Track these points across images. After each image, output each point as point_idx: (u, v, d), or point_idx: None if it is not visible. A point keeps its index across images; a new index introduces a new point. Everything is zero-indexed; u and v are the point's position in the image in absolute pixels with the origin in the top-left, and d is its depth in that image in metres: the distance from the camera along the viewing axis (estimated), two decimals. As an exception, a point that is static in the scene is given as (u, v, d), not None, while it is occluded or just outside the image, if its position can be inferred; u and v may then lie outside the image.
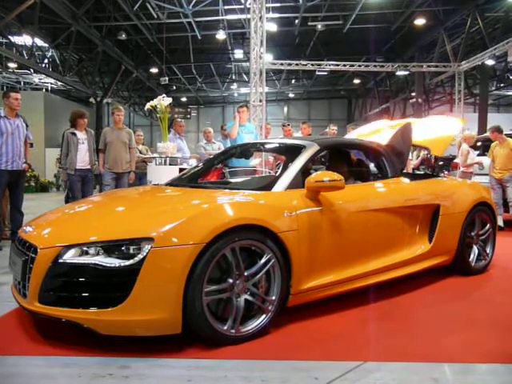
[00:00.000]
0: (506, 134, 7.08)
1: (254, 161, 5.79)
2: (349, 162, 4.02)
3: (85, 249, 2.36)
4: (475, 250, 4.17)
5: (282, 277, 2.70)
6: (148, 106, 6.04)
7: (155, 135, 28.64)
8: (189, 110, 23.52)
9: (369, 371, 2.25)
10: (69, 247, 2.37)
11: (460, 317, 3.05)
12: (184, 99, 29.78)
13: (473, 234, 4.16)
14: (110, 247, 2.34)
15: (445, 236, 3.83)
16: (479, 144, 8.53)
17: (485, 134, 8.44)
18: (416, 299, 3.44)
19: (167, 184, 3.71)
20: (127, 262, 2.29)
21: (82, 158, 5.97)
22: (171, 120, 8.28)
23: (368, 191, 3.52)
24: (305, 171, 3.21)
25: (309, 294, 2.92)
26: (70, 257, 2.35)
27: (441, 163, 10.66)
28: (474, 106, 25.39)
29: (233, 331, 2.50)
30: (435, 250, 3.76)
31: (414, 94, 20.43)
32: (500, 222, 6.49)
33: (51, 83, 23.27)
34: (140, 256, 2.29)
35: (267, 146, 4.60)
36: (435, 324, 2.91)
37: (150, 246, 2.30)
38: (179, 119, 8.00)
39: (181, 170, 5.91)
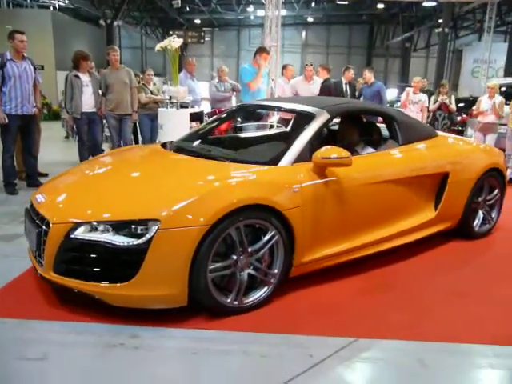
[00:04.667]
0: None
1: (264, 124, 5.69)
2: (359, 127, 3.93)
3: (94, 225, 2.45)
4: (480, 214, 4.18)
5: (285, 251, 2.79)
6: (158, 47, 5.82)
7: (168, 63, 27.77)
8: (203, 34, 22.55)
9: (360, 349, 2.40)
10: (80, 224, 2.46)
11: (456, 290, 3.15)
12: (198, 21, 28.45)
13: (480, 199, 4.14)
14: (119, 226, 2.42)
15: (451, 203, 3.84)
16: (503, 90, 8.21)
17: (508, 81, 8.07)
18: (416, 267, 3.52)
19: (176, 148, 3.59)
20: (135, 242, 2.38)
21: (87, 101, 5.89)
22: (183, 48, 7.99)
23: (376, 162, 3.46)
24: (314, 140, 3.18)
25: (311, 265, 3.03)
26: (81, 233, 2.45)
27: (461, 105, 10.31)
28: (505, 34, 23.83)
29: (236, 303, 2.66)
30: (440, 217, 3.79)
31: (440, 21, 19.15)
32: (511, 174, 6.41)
33: (59, 1, 22.29)
34: (147, 236, 2.38)
35: (277, 110, 4.46)
36: (431, 298, 3.02)
37: (156, 227, 2.37)
38: (190, 58, 7.74)
39: (191, 114, 5.86)
